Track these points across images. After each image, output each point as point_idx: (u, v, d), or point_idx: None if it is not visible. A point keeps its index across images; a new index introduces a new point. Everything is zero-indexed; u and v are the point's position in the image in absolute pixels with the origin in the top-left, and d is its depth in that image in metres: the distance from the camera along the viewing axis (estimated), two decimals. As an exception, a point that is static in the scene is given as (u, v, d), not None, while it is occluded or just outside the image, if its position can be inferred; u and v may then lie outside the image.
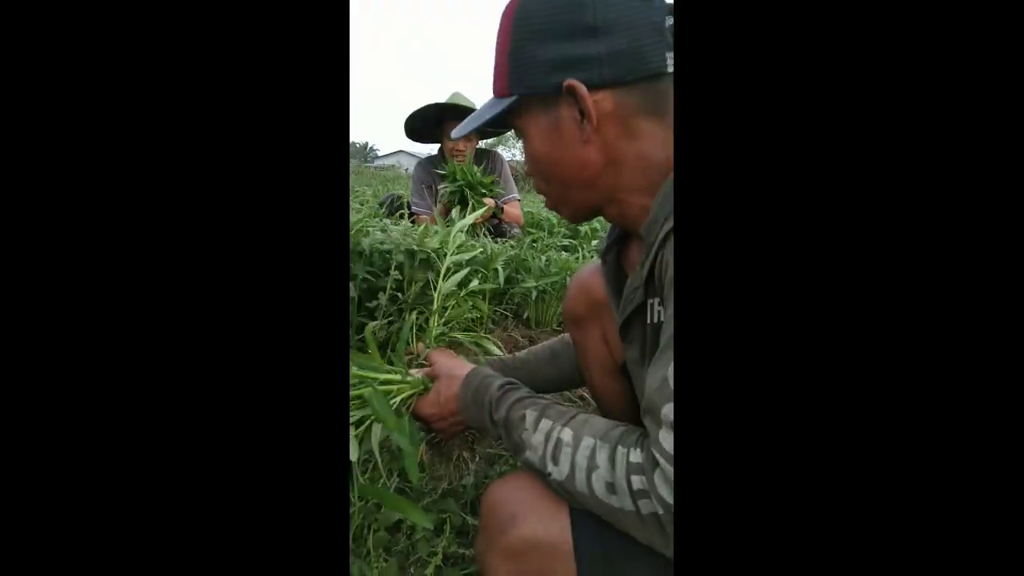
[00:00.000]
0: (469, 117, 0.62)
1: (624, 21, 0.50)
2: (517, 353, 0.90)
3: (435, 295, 0.80)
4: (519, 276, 1.50)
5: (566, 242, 2.04)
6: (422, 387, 0.67)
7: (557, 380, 0.88)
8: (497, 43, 0.56)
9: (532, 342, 1.43)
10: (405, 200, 2.19)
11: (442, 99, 2.08)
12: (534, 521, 0.51)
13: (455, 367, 0.66)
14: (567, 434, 0.51)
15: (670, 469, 0.43)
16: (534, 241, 1.58)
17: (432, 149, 2.35)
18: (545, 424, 0.53)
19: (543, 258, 1.54)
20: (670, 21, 0.52)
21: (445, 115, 2.07)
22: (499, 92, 0.57)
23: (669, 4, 0.52)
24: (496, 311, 1.48)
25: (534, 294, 1.49)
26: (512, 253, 1.47)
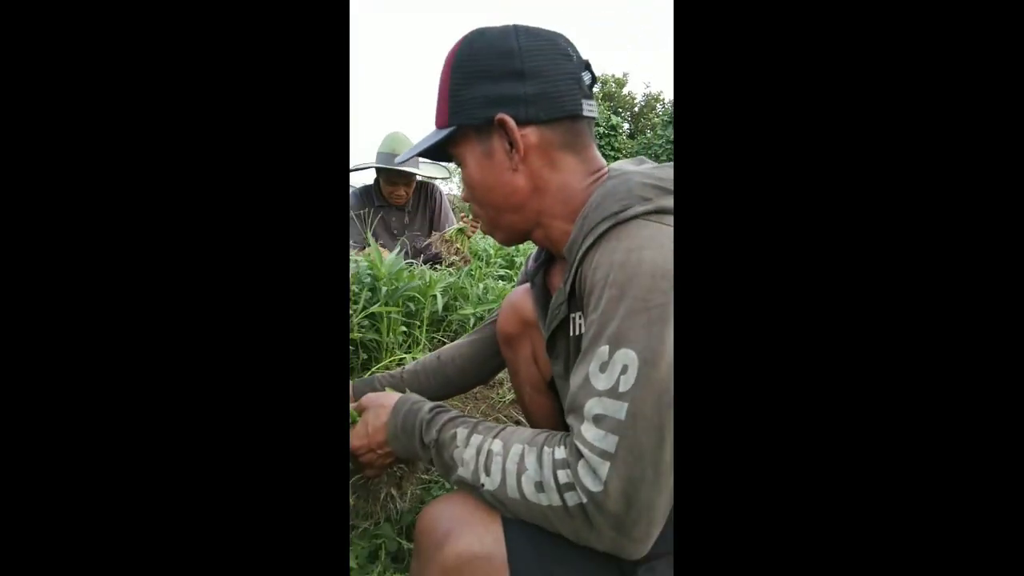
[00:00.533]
0: (412, 146, 0.68)
1: (546, 70, 0.59)
2: (406, 367, 0.92)
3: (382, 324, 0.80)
4: (457, 303, 1.51)
5: (503, 271, 2.08)
6: (351, 420, 0.67)
7: (444, 388, 0.91)
8: (440, 81, 0.63)
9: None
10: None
11: (380, 140, 2.10)
12: (468, 536, 0.53)
13: (383, 397, 0.67)
14: (497, 445, 0.54)
15: (595, 459, 0.46)
16: (471, 270, 1.60)
17: (367, 178, 2.35)
18: (476, 439, 0.56)
19: (481, 286, 1.56)
20: (587, 76, 0.61)
21: (378, 172, 2.10)
22: (440, 124, 0.63)
23: (585, 61, 0.62)
24: (434, 337, 1.48)
25: (472, 320, 1.50)
26: (450, 281, 1.49)
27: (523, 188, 0.61)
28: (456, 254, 1.47)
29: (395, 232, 2.15)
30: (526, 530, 0.52)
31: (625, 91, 26.37)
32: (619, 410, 0.46)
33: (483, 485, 0.53)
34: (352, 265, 1.17)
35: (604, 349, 0.48)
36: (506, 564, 0.51)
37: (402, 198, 2.10)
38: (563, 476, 0.48)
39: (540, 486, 0.50)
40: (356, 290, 1.14)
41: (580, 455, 0.48)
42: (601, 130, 20.00)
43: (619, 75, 26.42)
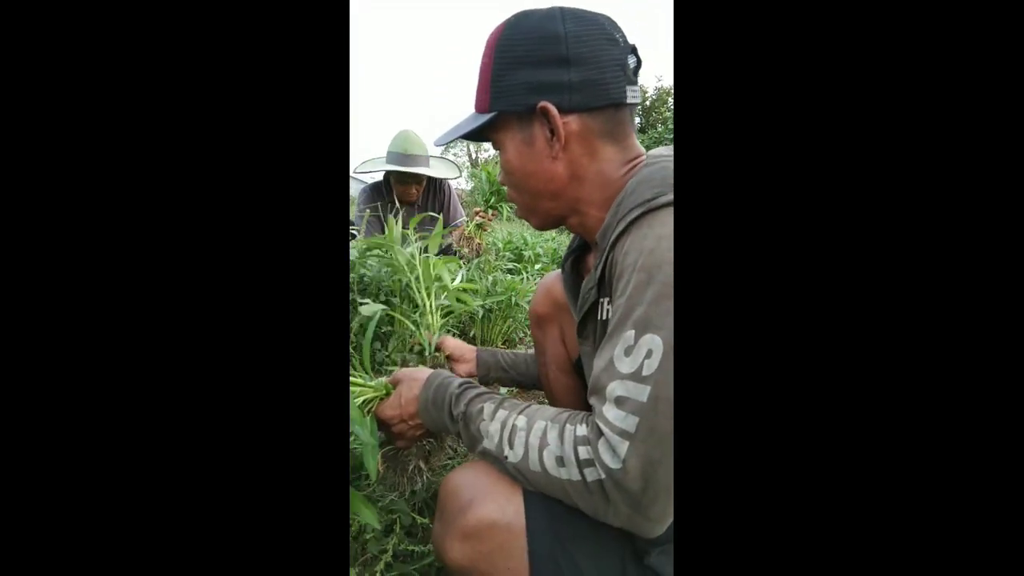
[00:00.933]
0: (451, 128, 0.69)
1: (592, 56, 0.58)
2: (509, 351, 1.02)
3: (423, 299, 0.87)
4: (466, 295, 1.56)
5: (511, 265, 2.13)
6: (384, 392, 0.71)
7: (530, 380, 0.99)
8: (481, 65, 0.63)
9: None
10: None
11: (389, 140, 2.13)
12: (490, 504, 0.55)
13: (417, 372, 0.70)
14: (521, 420, 0.56)
15: (614, 438, 0.48)
16: (480, 263, 1.65)
17: (376, 176, 2.38)
18: (501, 414, 0.58)
19: (489, 279, 1.61)
20: (632, 60, 0.61)
21: (389, 174, 2.11)
22: (480, 108, 0.64)
23: (631, 45, 0.61)
24: (443, 325, 1.53)
25: (480, 313, 1.55)
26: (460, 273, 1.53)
27: (562, 176, 0.62)
28: (474, 248, 1.52)
29: (405, 228, 2.19)
30: (545, 504, 0.55)
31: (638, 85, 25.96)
32: (641, 393, 0.47)
33: (507, 457, 0.56)
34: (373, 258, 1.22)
35: (631, 333, 0.49)
36: (524, 534, 0.54)
37: (413, 196, 2.12)
38: (584, 452, 0.50)
39: (561, 460, 0.52)
40: (378, 279, 1.19)
41: (601, 433, 0.49)
42: (611, 124, 19.66)
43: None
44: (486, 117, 0.62)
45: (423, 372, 0.69)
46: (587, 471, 0.50)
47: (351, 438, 0.66)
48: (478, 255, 1.62)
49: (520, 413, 0.58)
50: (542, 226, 0.70)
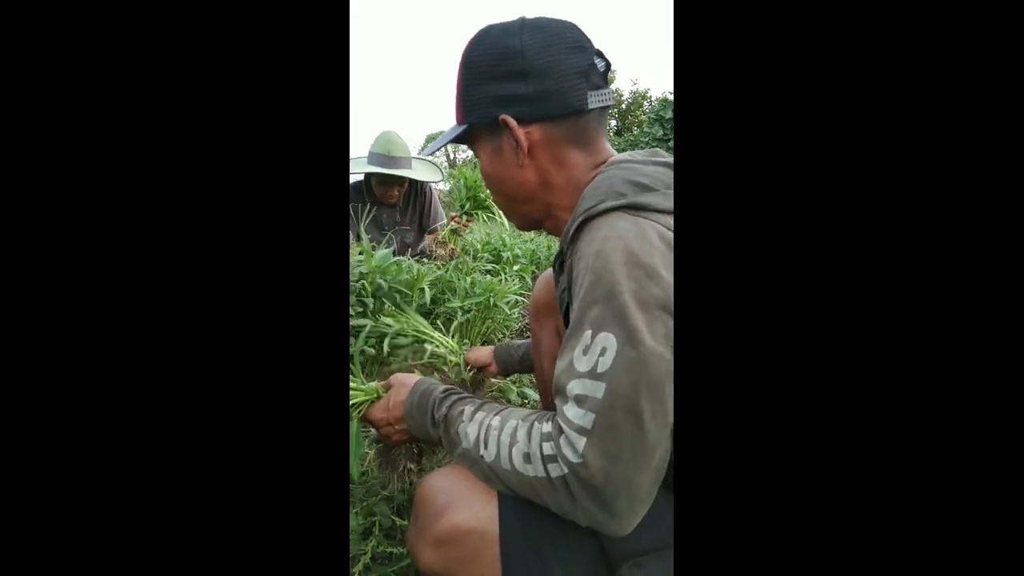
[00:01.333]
0: (435, 140, 0.73)
1: (550, 67, 0.61)
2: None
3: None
4: (445, 296, 1.56)
5: (490, 266, 2.13)
6: (375, 395, 0.73)
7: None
8: (456, 79, 0.67)
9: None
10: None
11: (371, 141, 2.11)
12: (464, 511, 0.56)
13: (407, 377, 0.72)
14: (496, 420, 0.58)
15: (573, 435, 0.50)
16: (459, 264, 1.65)
17: (358, 176, 2.36)
18: (480, 415, 0.60)
19: (468, 280, 1.61)
20: (600, 62, 0.64)
21: (371, 176, 2.11)
22: (457, 120, 0.69)
23: (596, 49, 0.64)
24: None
25: (459, 314, 1.55)
26: (438, 274, 1.53)
27: (531, 182, 0.65)
28: (448, 252, 1.52)
29: (385, 228, 2.18)
30: (518, 512, 0.56)
31: (612, 88, 26.29)
32: (597, 390, 0.49)
33: (482, 457, 0.57)
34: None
35: (587, 333, 0.51)
36: (497, 540, 0.55)
37: (394, 198, 2.13)
38: (548, 448, 0.52)
39: (528, 457, 0.54)
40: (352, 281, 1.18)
41: (562, 431, 0.52)
42: (588, 127, 19.79)
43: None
44: (460, 129, 0.67)
45: (412, 378, 0.71)
46: (551, 467, 0.52)
47: None
48: (452, 259, 1.62)
49: (496, 414, 0.59)
50: (523, 227, 0.73)
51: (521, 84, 0.61)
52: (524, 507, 0.56)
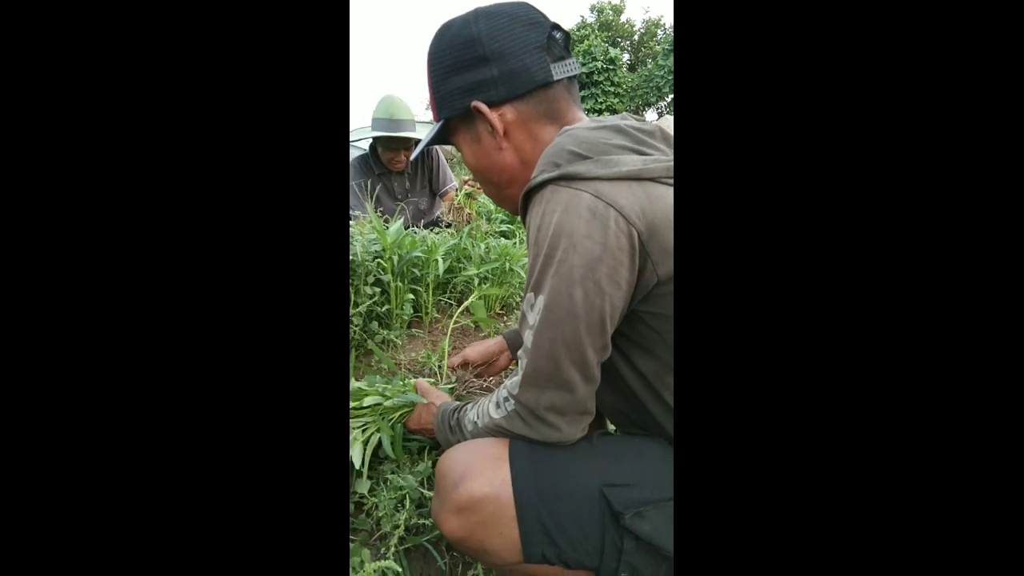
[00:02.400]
0: (420, 143, 0.75)
1: (509, 48, 0.63)
2: None
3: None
4: (460, 265, 1.56)
5: (504, 227, 2.11)
6: (409, 408, 0.91)
7: None
8: (427, 81, 0.69)
9: (478, 328, 1.50)
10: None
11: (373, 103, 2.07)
12: (479, 479, 0.62)
13: (434, 395, 0.89)
14: (487, 397, 0.69)
15: (517, 377, 0.63)
16: (471, 230, 1.64)
17: (362, 146, 2.34)
18: (481, 401, 0.69)
19: (482, 246, 1.60)
20: (558, 34, 0.64)
21: (377, 142, 2.09)
22: (435, 118, 0.71)
23: (553, 23, 0.65)
24: (440, 300, 1.54)
25: (476, 281, 1.55)
26: (452, 243, 1.53)
27: (512, 163, 0.68)
28: (465, 217, 1.51)
29: (398, 197, 2.18)
30: (528, 472, 0.61)
31: (623, 18, 25.08)
32: (529, 340, 0.60)
33: (477, 424, 0.68)
34: (359, 237, 1.22)
35: (531, 295, 0.60)
36: (512, 502, 0.60)
37: (402, 163, 2.12)
38: (504, 392, 0.65)
39: (497, 404, 0.66)
40: (366, 259, 1.19)
41: (506, 386, 0.65)
42: (599, 64, 19.21)
43: (616, 1, 25.09)
44: (438, 126, 0.70)
45: (438, 398, 0.88)
46: (507, 405, 0.64)
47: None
48: (468, 223, 1.61)
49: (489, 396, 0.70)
50: (516, 212, 0.74)
51: (485, 69, 0.63)
52: (532, 468, 0.61)
